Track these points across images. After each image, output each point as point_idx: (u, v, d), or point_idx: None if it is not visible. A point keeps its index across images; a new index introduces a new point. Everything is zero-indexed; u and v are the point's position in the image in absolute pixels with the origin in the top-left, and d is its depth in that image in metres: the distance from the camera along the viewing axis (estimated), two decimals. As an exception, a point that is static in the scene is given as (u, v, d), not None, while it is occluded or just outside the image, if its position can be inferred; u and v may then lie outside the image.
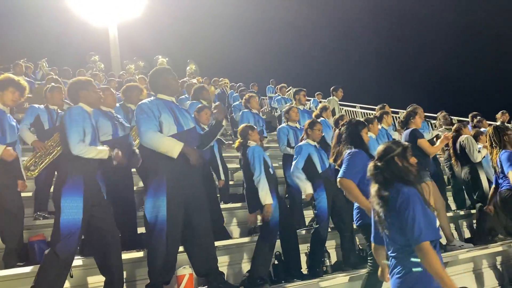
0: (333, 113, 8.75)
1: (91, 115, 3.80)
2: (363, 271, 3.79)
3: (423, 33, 27.16)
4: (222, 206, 5.64)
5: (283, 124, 6.44)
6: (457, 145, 6.24)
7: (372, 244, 2.88)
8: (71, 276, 3.70)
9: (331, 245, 5.35)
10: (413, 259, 2.44)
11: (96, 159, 3.63)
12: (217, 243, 4.59)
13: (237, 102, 9.67)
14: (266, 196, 4.46)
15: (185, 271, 3.97)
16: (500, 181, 5.38)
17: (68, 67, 12.39)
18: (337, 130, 4.05)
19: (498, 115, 9.83)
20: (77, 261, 3.85)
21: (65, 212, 3.41)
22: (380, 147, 2.67)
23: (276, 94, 12.11)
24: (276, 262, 4.81)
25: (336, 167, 3.92)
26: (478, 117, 9.09)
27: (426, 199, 2.51)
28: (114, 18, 18.73)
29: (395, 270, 2.50)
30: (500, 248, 5.59)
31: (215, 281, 3.90)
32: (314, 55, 28.65)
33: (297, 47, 27.63)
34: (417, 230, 2.34)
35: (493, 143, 5.35)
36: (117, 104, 5.21)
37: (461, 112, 10.21)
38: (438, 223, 2.53)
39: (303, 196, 5.11)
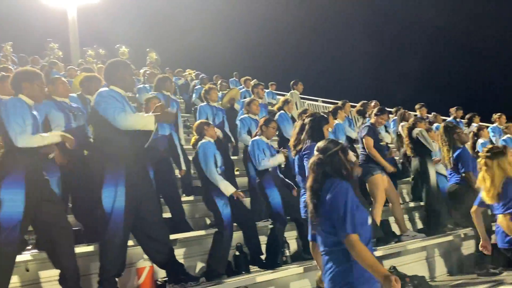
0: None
1: (31, 107, 3.69)
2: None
3: (401, 29, 27.35)
4: (184, 198, 5.63)
5: (245, 115, 6.47)
6: (410, 137, 6.33)
7: (310, 243, 2.92)
8: (27, 270, 3.62)
9: (290, 236, 5.47)
10: (344, 253, 2.46)
11: (40, 152, 3.57)
12: (177, 236, 4.62)
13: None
14: (226, 187, 4.52)
15: (146, 264, 3.98)
16: (449, 176, 5.72)
17: (26, 55, 11.90)
18: (300, 121, 4.13)
19: (452, 110, 10.20)
20: (33, 255, 3.80)
21: (6, 205, 3.38)
22: (321, 144, 2.72)
23: (241, 86, 12.11)
24: (237, 253, 4.88)
25: (292, 152, 4.07)
26: (433, 113, 9.50)
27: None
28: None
29: (327, 266, 2.52)
30: (450, 238, 5.92)
31: (175, 273, 3.92)
32: (285, 49, 28.47)
33: (265, 39, 27.28)
34: (347, 223, 2.39)
35: (444, 141, 5.62)
36: (75, 94, 5.08)
37: (441, 109, 10.47)
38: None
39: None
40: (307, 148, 3.80)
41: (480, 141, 7.14)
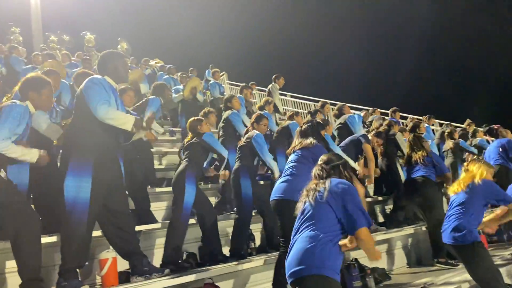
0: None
1: (31, 116, 3.72)
2: (280, 251, 3.97)
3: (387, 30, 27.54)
4: (149, 190, 5.57)
5: (234, 110, 6.63)
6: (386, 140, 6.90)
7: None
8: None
9: (256, 228, 5.51)
10: (329, 242, 2.66)
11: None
12: (141, 227, 4.57)
13: (179, 86, 9.54)
14: None
15: (109, 255, 3.91)
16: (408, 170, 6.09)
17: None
18: (299, 128, 4.31)
19: (425, 118, 10.68)
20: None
21: None
22: (325, 157, 3.02)
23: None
24: (203, 245, 4.88)
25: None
26: (396, 112, 9.90)
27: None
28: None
29: (296, 244, 2.71)
30: (411, 231, 6.13)
31: (139, 264, 3.89)
32: (276, 46, 28.17)
33: (256, 36, 26.85)
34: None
35: (415, 148, 6.07)
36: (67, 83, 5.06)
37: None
38: None
39: (276, 175, 5.24)
40: (315, 146, 3.96)
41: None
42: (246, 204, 4.97)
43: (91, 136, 3.71)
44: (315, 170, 2.95)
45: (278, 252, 4.07)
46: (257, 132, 5.33)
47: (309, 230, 2.70)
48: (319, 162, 2.99)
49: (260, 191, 5.17)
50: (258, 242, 5.48)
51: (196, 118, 5.19)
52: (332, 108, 9.08)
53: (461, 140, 8.15)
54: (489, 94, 22.61)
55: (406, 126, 8.49)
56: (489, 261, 3.98)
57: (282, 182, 3.97)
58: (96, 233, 4.01)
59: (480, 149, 8.40)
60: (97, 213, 3.74)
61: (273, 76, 10.48)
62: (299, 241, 2.70)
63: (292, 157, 4.08)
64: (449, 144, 7.97)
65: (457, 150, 7.81)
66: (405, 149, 6.41)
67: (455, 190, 4.23)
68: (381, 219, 7.03)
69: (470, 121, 10.28)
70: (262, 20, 26.26)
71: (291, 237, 2.84)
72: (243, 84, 8.83)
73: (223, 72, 14.79)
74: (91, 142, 3.70)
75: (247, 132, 5.57)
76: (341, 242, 2.75)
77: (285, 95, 14.54)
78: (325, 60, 26.94)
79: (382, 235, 5.68)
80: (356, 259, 4.95)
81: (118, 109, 3.88)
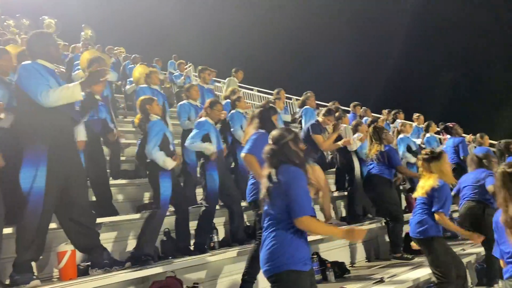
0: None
1: None
2: (250, 246, 3.99)
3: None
4: (112, 182, 5.46)
5: (184, 101, 6.39)
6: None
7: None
8: None
9: (219, 222, 5.50)
10: (283, 233, 2.71)
11: None
12: (103, 219, 4.48)
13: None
14: (166, 161, 4.46)
15: (67, 247, 3.81)
16: (370, 166, 6.22)
17: None
18: (250, 114, 4.30)
19: (385, 111, 10.83)
20: None
21: None
22: (274, 133, 2.93)
23: (176, 71, 11.90)
24: (164, 238, 4.83)
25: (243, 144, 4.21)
26: (363, 107, 10.00)
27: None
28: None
29: (268, 242, 2.74)
30: (371, 226, 6.29)
31: (99, 257, 3.81)
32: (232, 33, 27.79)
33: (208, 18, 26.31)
34: (299, 205, 2.65)
35: (373, 140, 6.15)
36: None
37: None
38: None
39: (212, 157, 5.08)
40: (256, 134, 3.97)
41: (401, 136, 7.75)
42: (212, 198, 4.95)
43: (41, 121, 3.56)
44: (265, 153, 2.87)
45: (243, 246, 4.09)
46: (206, 118, 5.21)
47: (273, 227, 2.75)
48: (269, 142, 2.92)
49: (230, 184, 5.15)
50: (221, 235, 5.48)
51: (147, 97, 5.01)
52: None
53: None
54: (477, 91, 23.17)
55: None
56: (450, 253, 4.26)
57: (252, 178, 4.07)
58: (54, 224, 3.90)
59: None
60: (53, 204, 3.62)
61: (233, 70, 10.49)
62: (267, 239, 2.76)
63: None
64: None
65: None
66: (356, 143, 6.58)
67: (418, 195, 4.40)
68: (344, 214, 7.17)
69: (418, 114, 10.11)
70: (246, 17, 26.12)
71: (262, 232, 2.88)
72: (201, 67, 8.57)
73: (190, 64, 14.62)
74: (42, 127, 3.56)
75: (200, 117, 5.42)
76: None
77: (252, 89, 14.56)
78: (309, 59, 27.06)
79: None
80: (317, 253, 5.04)
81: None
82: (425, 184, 4.31)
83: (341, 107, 9.11)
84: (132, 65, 10.65)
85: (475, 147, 8.31)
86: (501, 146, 6.36)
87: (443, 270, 4.14)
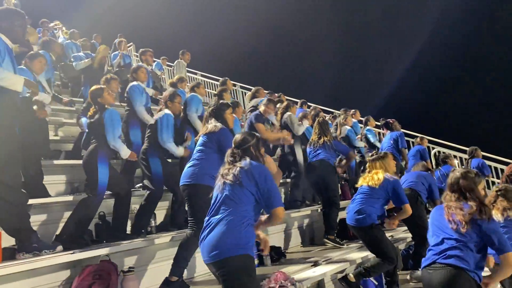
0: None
1: None
2: (188, 231, 3.96)
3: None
4: (44, 162, 5.18)
5: (135, 83, 6.09)
6: (282, 121, 7.00)
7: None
8: None
9: (158, 206, 5.40)
10: (240, 215, 2.77)
11: None
12: (33, 201, 4.26)
13: (80, 53, 8.83)
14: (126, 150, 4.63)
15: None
16: (312, 153, 6.43)
17: None
18: (206, 112, 4.28)
19: (341, 111, 11.11)
20: None
21: None
22: (238, 136, 3.06)
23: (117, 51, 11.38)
24: (100, 222, 4.68)
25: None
26: (304, 105, 10.28)
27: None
28: None
29: (218, 227, 2.76)
30: (308, 212, 6.49)
31: (27, 240, 3.62)
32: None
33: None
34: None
35: (325, 131, 6.40)
36: None
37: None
38: None
39: (182, 154, 5.23)
40: (220, 130, 3.98)
41: (347, 127, 8.60)
42: (157, 183, 4.87)
43: None
44: (227, 156, 3.00)
45: (182, 230, 4.05)
46: (168, 112, 5.15)
47: (228, 212, 2.77)
48: (232, 145, 3.04)
49: (172, 170, 5.12)
50: (159, 220, 5.40)
51: (98, 86, 4.85)
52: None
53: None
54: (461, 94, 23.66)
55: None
56: (385, 239, 4.58)
57: (189, 166, 4.01)
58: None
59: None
60: None
61: (180, 52, 10.35)
62: (221, 224, 2.75)
63: (199, 141, 4.11)
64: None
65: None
66: (298, 128, 6.88)
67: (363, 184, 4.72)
68: (283, 200, 7.33)
69: (345, 109, 10.37)
70: (234, 14, 25.52)
71: (206, 220, 2.88)
72: (143, 49, 8.37)
73: (131, 43, 14.12)
74: None
75: (159, 110, 5.33)
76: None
77: (195, 73, 14.37)
78: (292, 58, 26.96)
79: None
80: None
81: (14, 72, 3.62)
82: (374, 177, 4.64)
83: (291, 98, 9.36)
84: (69, 41, 10.06)
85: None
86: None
87: (385, 253, 4.45)
